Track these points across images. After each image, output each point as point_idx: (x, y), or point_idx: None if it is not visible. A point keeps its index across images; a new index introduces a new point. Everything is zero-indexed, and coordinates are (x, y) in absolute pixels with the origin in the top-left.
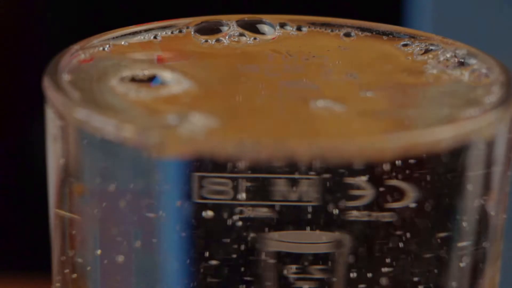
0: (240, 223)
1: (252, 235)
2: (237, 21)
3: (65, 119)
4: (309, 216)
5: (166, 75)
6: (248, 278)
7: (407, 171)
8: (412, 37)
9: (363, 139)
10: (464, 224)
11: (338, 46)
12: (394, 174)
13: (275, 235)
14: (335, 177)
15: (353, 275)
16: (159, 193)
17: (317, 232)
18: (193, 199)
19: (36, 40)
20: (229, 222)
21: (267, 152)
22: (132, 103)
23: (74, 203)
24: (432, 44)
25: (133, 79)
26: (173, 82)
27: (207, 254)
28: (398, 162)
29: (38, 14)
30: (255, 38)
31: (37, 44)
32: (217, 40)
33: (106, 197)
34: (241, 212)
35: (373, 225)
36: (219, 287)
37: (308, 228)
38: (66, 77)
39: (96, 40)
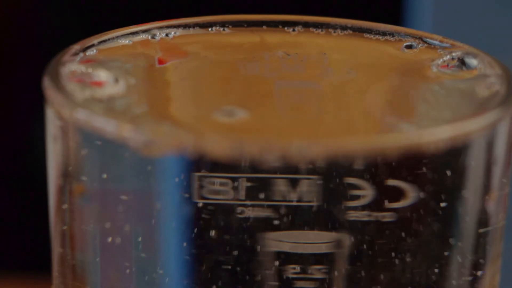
0: (240, 223)
1: (252, 235)
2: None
3: (65, 119)
4: (309, 216)
5: (165, 74)
6: (248, 278)
7: (407, 171)
8: (412, 37)
9: (363, 139)
10: (464, 224)
11: (337, 46)
12: (394, 174)
13: (275, 235)
14: (335, 177)
15: (353, 275)
16: (159, 193)
17: (317, 232)
18: (193, 199)
19: (36, 40)
20: (229, 222)
21: (267, 152)
22: (129, 102)
23: (74, 203)
24: (432, 44)
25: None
26: (171, 82)
27: (207, 254)
28: (398, 162)
29: (38, 14)
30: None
31: (37, 44)
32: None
33: (106, 197)
34: (241, 212)
35: (373, 225)
36: (219, 287)
37: (308, 228)
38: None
39: (96, 40)
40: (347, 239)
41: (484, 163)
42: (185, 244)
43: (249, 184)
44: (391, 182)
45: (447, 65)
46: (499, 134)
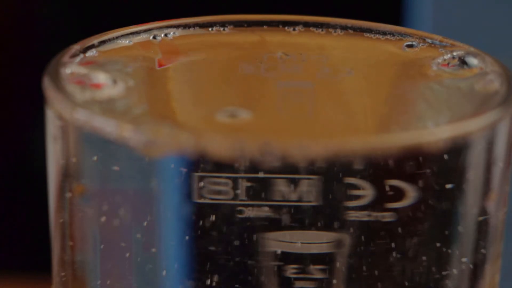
0: (240, 223)
1: (252, 235)
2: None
3: (65, 119)
4: (309, 216)
5: (164, 75)
6: (248, 278)
7: (407, 171)
8: (413, 37)
9: (363, 138)
10: (464, 224)
11: (337, 46)
12: (394, 174)
13: (275, 235)
14: (335, 177)
15: (353, 275)
16: (159, 193)
17: (317, 232)
18: (193, 199)
19: (36, 40)
20: (229, 222)
21: (267, 152)
22: (131, 103)
23: (74, 203)
24: (432, 44)
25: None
26: (171, 83)
27: (207, 254)
28: (398, 162)
29: (38, 14)
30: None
31: (37, 44)
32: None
33: (106, 197)
34: (241, 212)
35: (373, 225)
36: (219, 287)
37: (308, 228)
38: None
39: (96, 40)
40: (347, 239)
41: (484, 163)
42: (185, 244)
43: (249, 184)
44: (391, 182)
45: (448, 64)
46: (499, 134)
